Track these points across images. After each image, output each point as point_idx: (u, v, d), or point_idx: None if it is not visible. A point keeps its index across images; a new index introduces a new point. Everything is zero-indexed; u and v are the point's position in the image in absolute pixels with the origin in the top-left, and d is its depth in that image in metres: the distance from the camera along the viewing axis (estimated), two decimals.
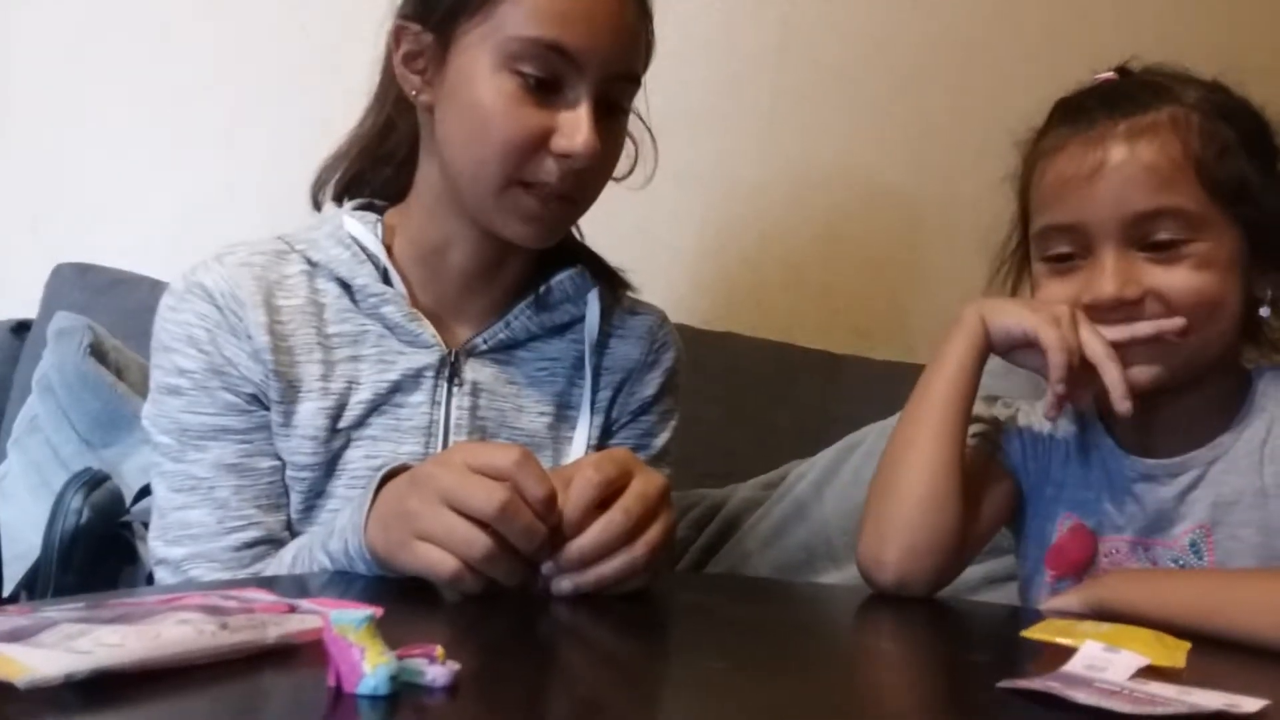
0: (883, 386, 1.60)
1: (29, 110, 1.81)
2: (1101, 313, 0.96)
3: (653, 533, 0.85)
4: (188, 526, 1.00)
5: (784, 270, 1.78)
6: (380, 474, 0.90)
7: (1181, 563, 0.99)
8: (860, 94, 1.77)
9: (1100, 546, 1.02)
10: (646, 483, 0.86)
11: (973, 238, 1.71)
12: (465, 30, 1.00)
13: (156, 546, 1.02)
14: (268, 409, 1.03)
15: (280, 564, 0.97)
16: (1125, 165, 0.95)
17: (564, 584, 0.84)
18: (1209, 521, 0.98)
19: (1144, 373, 0.96)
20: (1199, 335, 0.96)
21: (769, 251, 1.78)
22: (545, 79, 0.98)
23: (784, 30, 1.77)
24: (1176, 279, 0.95)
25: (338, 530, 0.91)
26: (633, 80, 1.05)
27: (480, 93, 0.99)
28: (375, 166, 1.14)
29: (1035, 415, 1.10)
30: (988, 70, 1.76)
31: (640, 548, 0.84)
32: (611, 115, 1.03)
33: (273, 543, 1.01)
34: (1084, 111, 1.00)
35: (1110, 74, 1.05)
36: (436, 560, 0.81)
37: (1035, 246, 1.03)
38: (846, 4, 1.77)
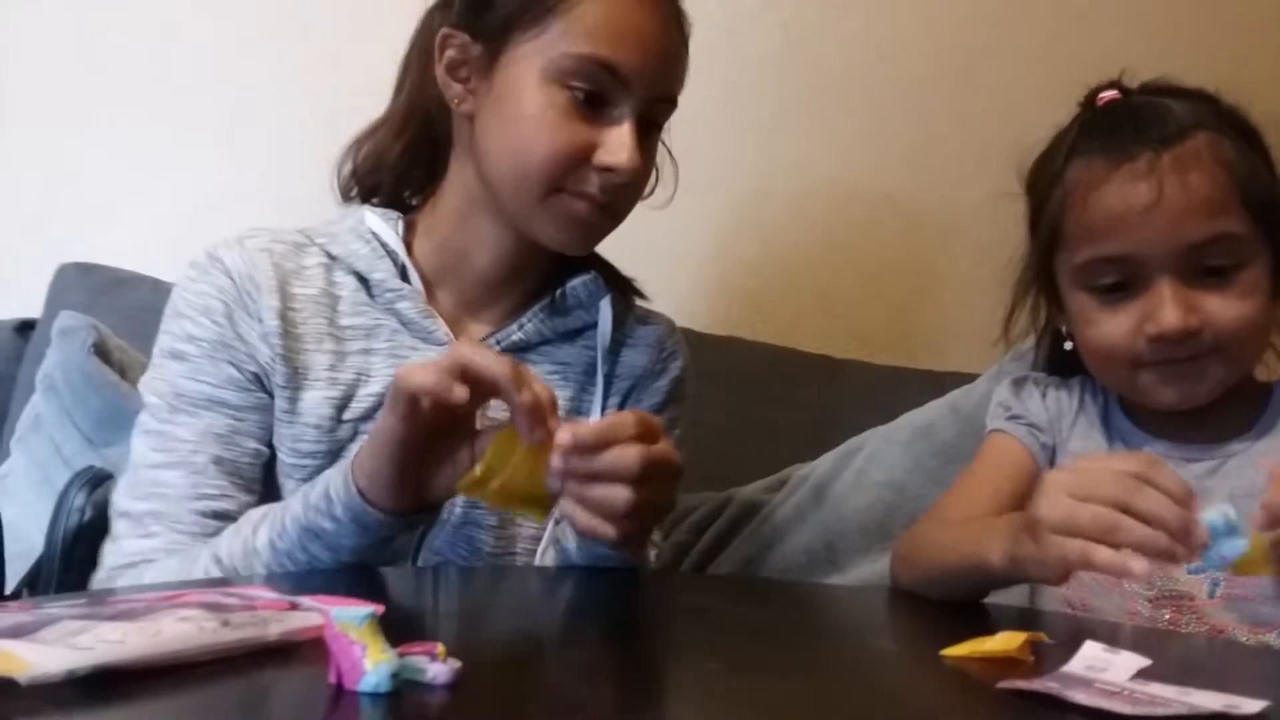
0: (883, 392, 1.61)
1: (31, 110, 1.81)
2: (1166, 344, 0.97)
3: (657, 457, 0.85)
4: (159, 485, 1.00)
5: (785, 276, 1.78)
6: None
7: None
8: (861, 101, 1.77)
9: None
10: (669, 448, 0.88)
11: (974, 244, 1.73)
12: (516, 43, 1.02)
13: (121, 499, 1.02)
14: (267, 394, 1.04)
15: (248, 518, 0.97)
16: (1180, 198, 0.97)
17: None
18: None
19: (1184, 390, 0.99)
20: (1243, 358, 1.00)
21: (770, 257, 1.78)
22: (593, 95, 1.01)
23: (785, 37, 1.77)
24: (1229, 310, 0.97)
25: (320, 480, 0.93)
26: (671, 102, 1.08)
27: (528, 104, 1.01)
28: (402, 166, 1.15)
29: (1061, 392, 1.12)
30: (989, 78, 1.76)
31: (635, 457, 0.84)
32: (649, 133, 1.06)
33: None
34: (1118, 141, 1.01)
35: (1113, 93, 1.06)
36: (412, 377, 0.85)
37: (1078, 276, 1.04)
38: (848, 11, 1.77)
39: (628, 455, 0.84)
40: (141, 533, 1.00)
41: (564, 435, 0.84)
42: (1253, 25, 1.75)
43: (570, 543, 1.01)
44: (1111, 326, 1.01)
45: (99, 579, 1.01)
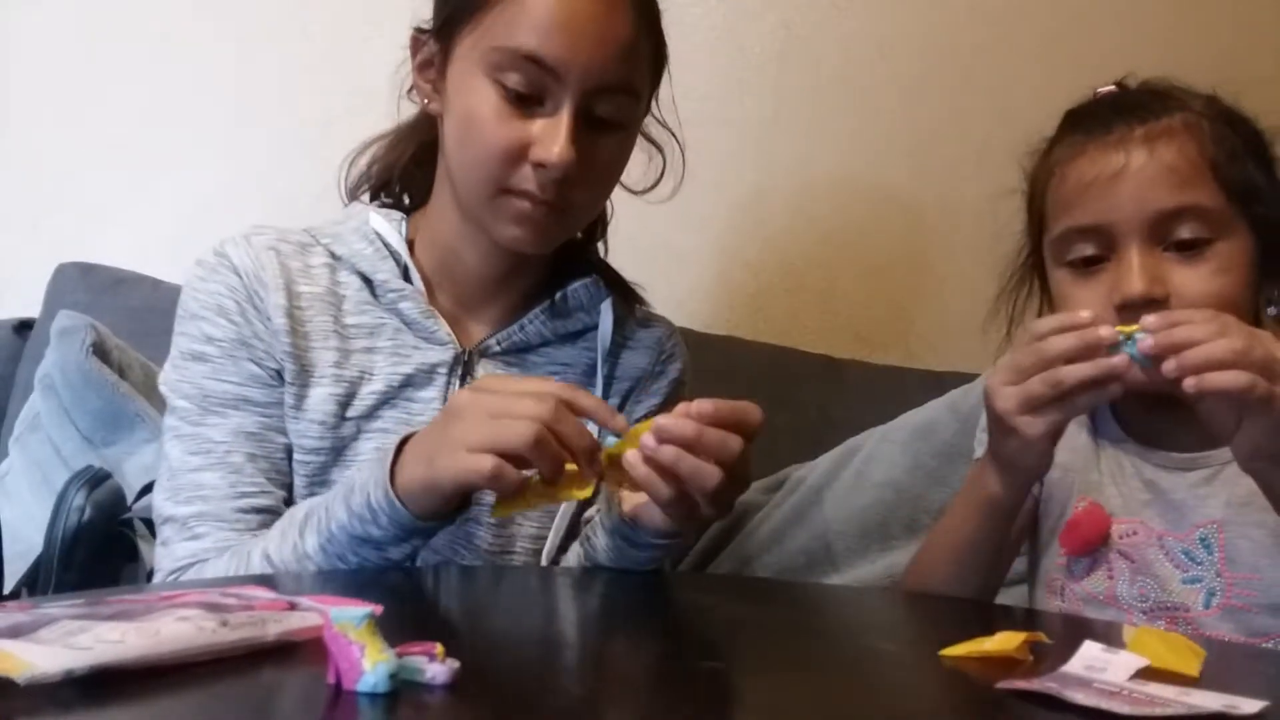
0: (883, 391, 1.60)
1: (30, 110, 1.81)
2: (1132, 312, 0.96)
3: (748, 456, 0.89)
4: (200, 488, 1.01)
5: (785, 275, 1.78)
6: (399, 437, 0.92)
7: (1191, 555, 0.99)
8: (862, 100, 1.77)
9: (1115, 528, 1.02)
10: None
11: (973, 243, 1.73)
12: (461, 39, 1.02)
13: (164, 505, 1.02)
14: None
15: (291, 520, 0.97)
16: (1146, 166, 0.98)
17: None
18: (1222, 519, 0.98)
19: (1153, 371, 0.95)
20: None
21: (770, 256, 1.78)
22: (526, 89, 0.99)
23: (786, 36, 1.77)
24: (1197, 284, 0.96)
25: (358, 486, 0.92)
26: (624, 92, 1.03)
27: (469, 101, 1.01)
28: (414, 168, 1.16)
29: None
30: (989, 76, 1.76)
31: (739, 444, 0.88)
32: (602, 128, 1.03)
33: (278, 515, 1.02)
34: (1098, 119, 1.02)
35: (1110, 88, 1.07)
36: (477, 460, 0.85)
37: (1055, 252, 1.03)
38: (848, 10, 1.77)
39: (733, 440, 0.87)
40: (189, 535, 1.00)
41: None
42: (1253, 24, 1.74)
43: (600, 545, 1.02)
44: (1083, 299, 1.00)
45: (158, 585, 1.01)
